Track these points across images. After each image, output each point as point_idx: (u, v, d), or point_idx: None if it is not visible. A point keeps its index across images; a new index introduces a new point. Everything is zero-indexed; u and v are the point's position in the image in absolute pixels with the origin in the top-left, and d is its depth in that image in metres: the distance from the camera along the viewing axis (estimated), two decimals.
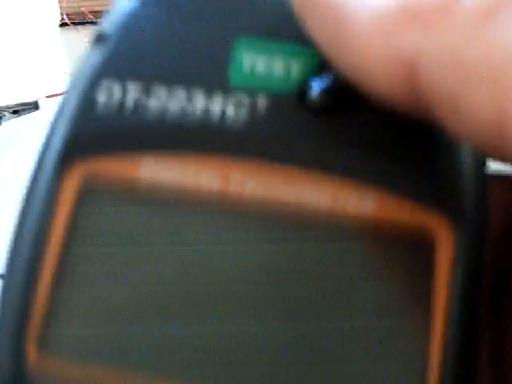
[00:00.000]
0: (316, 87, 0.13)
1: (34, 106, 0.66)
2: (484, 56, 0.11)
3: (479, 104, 0.11)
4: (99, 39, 0.13)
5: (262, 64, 0.13)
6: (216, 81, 0.13)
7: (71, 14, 0.79)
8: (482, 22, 0.11)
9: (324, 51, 0.12)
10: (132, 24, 0.13)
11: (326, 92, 0.13)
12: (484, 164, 0.13)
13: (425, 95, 0.11)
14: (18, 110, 0.65)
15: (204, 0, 0.13)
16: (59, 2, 0.81)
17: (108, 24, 0.13)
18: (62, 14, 0.80)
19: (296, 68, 0.13)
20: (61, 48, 0.77)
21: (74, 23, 0.78)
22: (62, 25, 0.80)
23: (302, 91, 0.13)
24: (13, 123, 0.65)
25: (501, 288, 0.15)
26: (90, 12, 0.77)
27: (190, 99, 0.13)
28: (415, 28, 0.11)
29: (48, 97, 0.66)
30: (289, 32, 0.13)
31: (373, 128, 0.13)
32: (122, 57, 0.13)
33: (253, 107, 0.13)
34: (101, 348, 0.12)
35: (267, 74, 0.13)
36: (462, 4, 0.11)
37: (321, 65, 0.13)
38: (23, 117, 0.65)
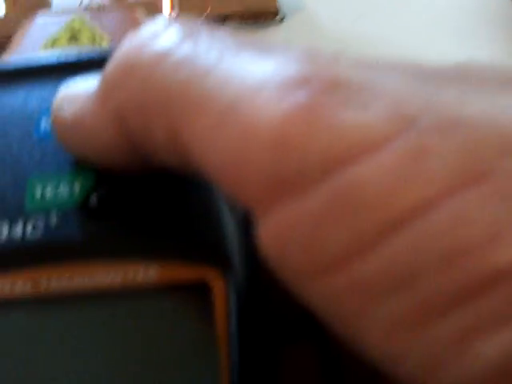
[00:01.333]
0: (93, 199, 0.17)
1: None
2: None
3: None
4: None
5: (50, 190, 0.17)
6: (15, 210, 0.17)
7: None
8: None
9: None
10: None
11: (101, 201, 0.17)
12: (247, 221, 0.16)
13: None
14: None
15: None
16: None
17: None
18: None
19: (78, 187, 0.17)
20: None
21: None
22: None
23: (84, 203, 0.17)
24: None
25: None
26: None
27: None
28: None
29: None
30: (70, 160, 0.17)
31: (143, 219, 0.16)
32: None
33: (46, 224, 0.16)
34: None
35: (55, 196, 0.17)
36: None
37: (97, 181, 0.17)
38: None
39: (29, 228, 0.16)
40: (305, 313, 0.17)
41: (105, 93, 0.15)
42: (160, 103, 0.13)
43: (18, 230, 0.16)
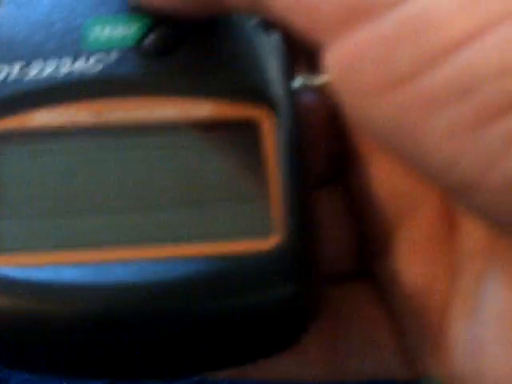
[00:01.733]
0: (149, 38, 0.18)
1: None
2: None
3: None
4: None
5: (107, 31, 0.18)
6: (76, 49, 0.17)
7: None
8: None
9: None
10: (5, 22, 0.18)
11: (157, 40, 0.17)
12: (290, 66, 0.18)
13: None
14: None
15: None
16: None
17: None
18: None
19: (134, 29, 0.18)
20: None
21: None
22: None
23: (141, 43, 0.17)
24: None
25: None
26: None
27: (59, 65, 0.17)
28: None
29: None
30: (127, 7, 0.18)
31: (197, 59, 0.17)
32: (3, 45, 0.18)
33: (106, 60, 0.17)
34: (40, 235, 0.16)
35: (112, 36, 0.18)
36: None
37: (154, 24, 0.18)
38: None
39: (89, 63, 0.17)
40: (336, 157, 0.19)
41: None
42: None
43: (81, 64, 0.17)
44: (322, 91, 0.19)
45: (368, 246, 0.19)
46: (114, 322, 0.15)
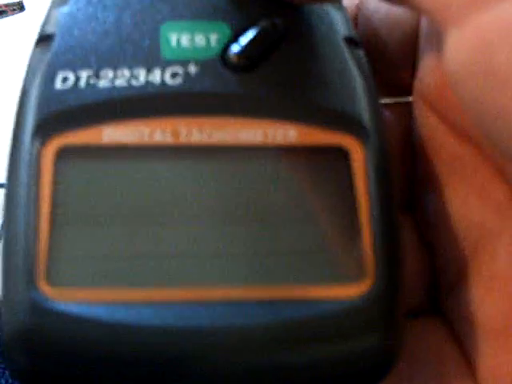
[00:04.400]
0: (233, 51, 0.16)
1: (19, 6, 0.62)
2: None
3: None
4: (45, 39, 0.16)
5: (187, 39, 0.16)
6: (151, 58, 0.16)
7: None
8: None
9: None
10: (72, 23, 0.16)
11: (242, 53, 0.16)
12: (378, 96, 0.17)
13: None
14: (2, 11, 0.61)
15: None
16: None
17: (50, 26, 0.16)
18: None
19: (215, 38, 0.16)
20: None
21: None
22: None
23: (223, 55, 0.16)
24: None
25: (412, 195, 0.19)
26: None
27: (132, 75, 0.16)
28: None
29: None
30: (205, 11, 0.17)
31: (284, 77, 0.16)
32: (70, 50, 0.16)
33: (185, 73, 0.16)
34: (100, 272, 0.14)
35: (193, 46, 0.16)
36: None
37: (236, 33, 0.16)
38: (7, 18, 0.62)
39: (167, 75, 0.16)
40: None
41: None
42: None
43: (157, 76, 0.16)
44: (394, 111, 0.18)
45: (440, 279, 0.18)
46: (189, 368, 0.14)
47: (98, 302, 0.14)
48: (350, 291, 0.15)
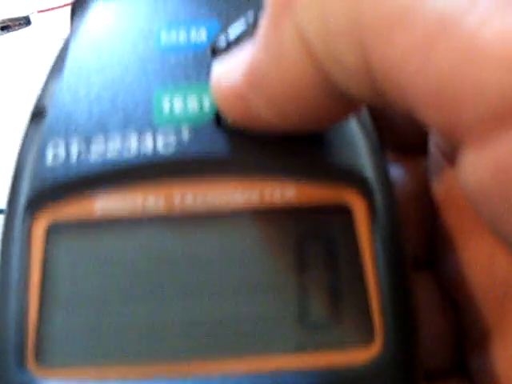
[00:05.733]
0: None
1: (25, 21, 0.62)
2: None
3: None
4: (38, 114, 0.16)
5: (178, 103, 0.16)
6: (143, 123, 0.16)
7: None
8: None
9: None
10: (66, 95, 0.16)
11: None
12: (382, 149, 0.16)
13: None
14: (7, 26, 0.61)
15: (120, 61, 0.16)
16: None
17: (45, 99, 0.16)
18: None
19: (207, 101, 0.16)
20: None
21: None
22: None
23: (217, 118, 0.16)
24: (2, 39, 0.61)
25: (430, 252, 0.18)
26: None
27: (124, 142, 0.15)
28: None
29: (40, 12, 0.62)
30: (197, 72, 0.16)
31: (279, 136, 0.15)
32: (62, 124, 0.16)
33: (178, 138, 0.15)
34: (89, 350, 0.14)
35: (184, 110, 0.16)
36: None
37: None
38: (13, 33, 0.61)
39: (160, 142, 0.15)
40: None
41: (275, 16, 0.13)
42: (347, 20, 0.12)
43: (149, 143, 0.15)
44: (408, 167, 0.17)
45: (465, 340, 0.17)
46: None
47: (88, 381, 0.14)
48: (359, 357, 0.14)
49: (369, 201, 0.15)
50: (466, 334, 0.17)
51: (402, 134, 0.18)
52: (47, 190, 0.15)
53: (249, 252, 0.15)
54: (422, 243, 0.18)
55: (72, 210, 0.15)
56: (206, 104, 0.16)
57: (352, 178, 0.15)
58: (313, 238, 0.15)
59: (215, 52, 0.16)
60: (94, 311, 0.14)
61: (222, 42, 0.16)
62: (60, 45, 0.18)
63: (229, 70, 0.15)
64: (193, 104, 0.16)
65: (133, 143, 0.15)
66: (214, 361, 0.14)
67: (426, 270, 0.18)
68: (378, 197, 0.15)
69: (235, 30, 0.16)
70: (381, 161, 0.16)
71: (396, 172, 0.18)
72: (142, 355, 0.14)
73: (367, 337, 0.14)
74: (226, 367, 0.14)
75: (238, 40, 0.16)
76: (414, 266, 0.17)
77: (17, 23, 0.61)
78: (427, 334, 0.17)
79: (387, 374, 0.14)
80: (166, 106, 0.16)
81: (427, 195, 0.17)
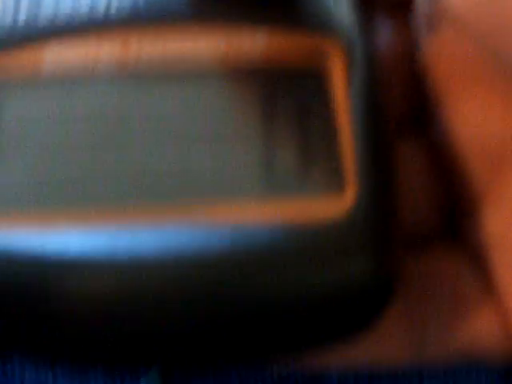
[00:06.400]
0: None
1: None
2: None
3: None
4: None
5: None
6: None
7: None
8: None
9: None
10: None
11: None
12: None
13: None
14: None
15: None
16: None
17: None
18: None
19: None
20: None
21: None
22: None
23: None
24: None
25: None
26: None
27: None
28: None
29: None
30: None
31: None
32: None
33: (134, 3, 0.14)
34: (34, 196, 0.13)
35: None
36: None
37: None
38: None
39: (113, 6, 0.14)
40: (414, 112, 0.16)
41: None
42: None
43: (101, 6, 0.14)
44: (397, 26, 0.16)
45: (457, 204, 0.16)
46: (162, 300, 0.13)
47: (33, 226, 0.13)
48: (328, 210, 0.13)
49: (346, 50, 0.14)
50: (459, 199, 0.16)
51: None
52: None
53: (213, 104, 0.14)
54: (408, 110, 0.17)
55: (19, 61, 0.14)
56: None
57: (329, 25, 0.14)
58: (281, 91, 0.14)
59: None
60: (41, 161, 0.13)
61: None
62: None
63: None
64: None
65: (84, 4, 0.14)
66: (171, 209, 0.13)
67: (412, 139, 0.17)
68: (357, 48, 0.14)
69: None
70: (358, 13, 0.15)
71: (384, 31, 0.17)
72: (89, 200, 0.13)
73: (337, 187, 0.13)
74: (182, 216, 0.13)
75: None
76: (399, 136, 0.17)
77: None
78: (416, 199, 0.16)
79: (358, 231, 0.13)
80: None
81: (413, 58, 0.17)
